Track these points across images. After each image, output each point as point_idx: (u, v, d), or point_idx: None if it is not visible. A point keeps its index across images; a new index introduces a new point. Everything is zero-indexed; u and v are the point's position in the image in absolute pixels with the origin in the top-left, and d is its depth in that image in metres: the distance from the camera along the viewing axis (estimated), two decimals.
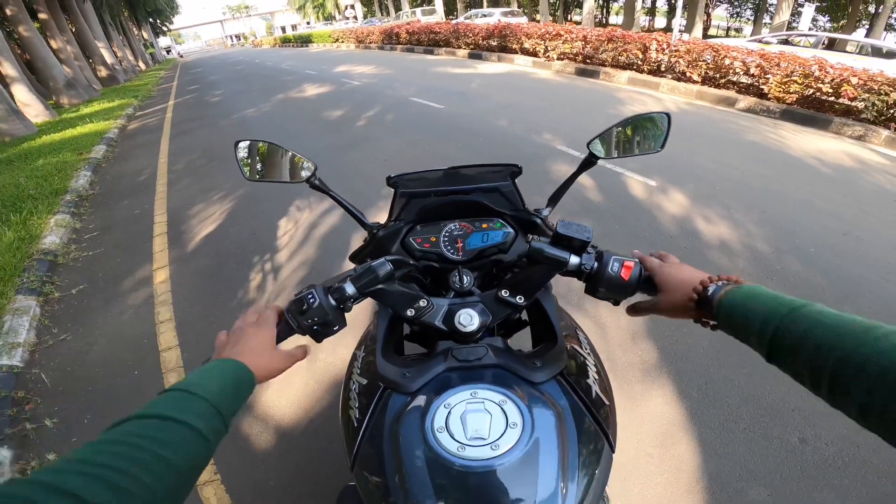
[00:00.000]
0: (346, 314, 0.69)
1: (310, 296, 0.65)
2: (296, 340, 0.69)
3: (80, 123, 8.10)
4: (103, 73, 16.29)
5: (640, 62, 8.13)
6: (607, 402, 0.72)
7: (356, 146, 5.19)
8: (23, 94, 9.01)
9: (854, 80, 5.51)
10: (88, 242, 3.62)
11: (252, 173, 0.93)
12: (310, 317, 0.64)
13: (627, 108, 6.24)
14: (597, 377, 0.74)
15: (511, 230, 0.94)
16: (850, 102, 5.56)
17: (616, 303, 0.71)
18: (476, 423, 0.58)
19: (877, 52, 8.65)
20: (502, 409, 0.60)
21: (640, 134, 0.91)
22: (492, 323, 0.75)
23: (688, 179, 3.85)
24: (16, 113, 7.86)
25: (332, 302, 0.65)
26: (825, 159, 4.54)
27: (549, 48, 9.89)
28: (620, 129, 0.89)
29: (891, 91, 5.19)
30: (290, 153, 0.90)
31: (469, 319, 0.72)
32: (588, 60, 9.15)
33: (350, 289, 0.66)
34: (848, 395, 0.41)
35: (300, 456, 1.70)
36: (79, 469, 0.35)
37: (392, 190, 0.94)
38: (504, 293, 0.74)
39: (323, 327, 0.66)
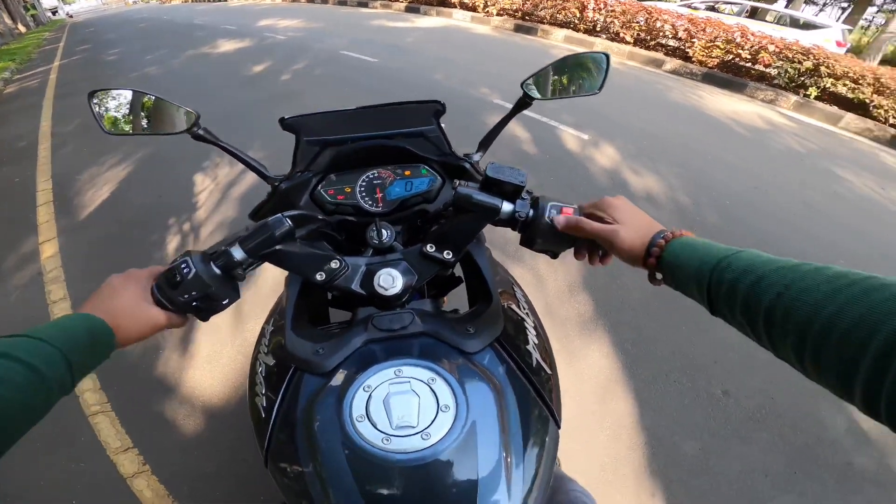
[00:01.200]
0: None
1: (183, 265, 0.53)
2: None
3: None
4: None
5: (577, 21, 8.12)
6: (549, 371, 0.64)
7: (278, 102, 4.72)
8: None
9: (771, 48, 5.86)
10: None
11: (115, 126, 0.75)
12: (185, 291, 0.53)
13: None
14: (536, 342, 0.67)
15: (437, 177, 0.83)
16: (765, 69, 5.95)
17: (554, 255, 0.64)
18: (402, 408, 0.50)
19: (794, 23, 9.23)
20: (431, 389, 0.52)
21: (577, 75, 0.83)
22: (418, 283, 0.66)
23: (618, 135, 3.95)
24: None
25: (216, 270, 0.55)
26: (740, 120, 4.85)
27: (488, 3, 9.56)
28: (557, 69, 0.80)
29: (804, 59, 5.58)
30: (163, 101, 0.74)
31: (390, 281, 0.63)
32: (527, 17, 8.98)
33: (238, 253, 0.55)
34: (785, 338, 0.37)
35: (234, 436, 1.56)
36: None
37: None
38: (430, 248, 0.64)
39: (205, 302, 0.55)
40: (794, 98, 5.59)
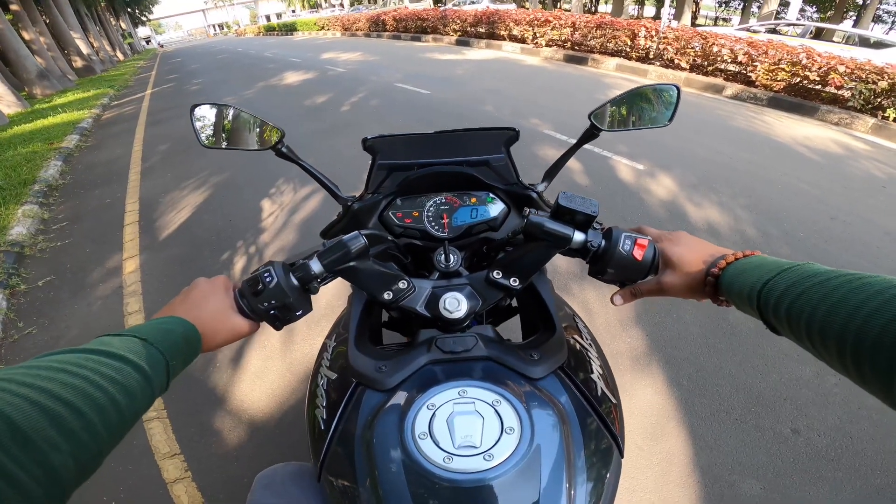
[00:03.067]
0: (314, 297, 0.60)
1: (266, 274, 0.55)
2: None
3: (53, 114, 7.78)
4: (79, 63, 15.79)
5: (628, 49, 8.06)
6: (614, 401, 0.63)
7: (338, 132, 5.04)
8: None
9: (841, 69, 5.50)
10: (56, 233, 3.44)
11: (211, 140, 0.81)
12: (266, 299, 0.55)
13: (615, 93, 6.15)
14: (601, 372, 0.66)
15: (503, 205, 0.84)
16: (836, 91, 5.56)
17: (623, 285, 0.63)
18: (466, 428, 0.50)
19: (864, 42, 8.68)
20: (496, 410, 0.51)
21: (646, 106, 0.82)
22: (481, 309, 0.66)
23: (676, 164, 3.80)
24: None
25: (294, 282, 0.56)
26: (812, 146, 4.53)
27: (537, 35, 9.75)
28: (625, 101, 0.80)
29: (878, 79, 5.19)
30: (254, 119, 0.79)
31: (455, 304, 0.64)
32: (577, 47, 9.04)
33: (316, 266, 0.57)
34: (827, 350, 0.36)
35: (275, 451, 1.61)
36: (11, 388, 0.29)
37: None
38: (496, 274, 0.65)
39: (282, 311, 0.56)
40: (871, 121, 5.16)
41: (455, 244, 0.80)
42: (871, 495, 1.41)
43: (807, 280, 0.40)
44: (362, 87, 7.28)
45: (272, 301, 0.55)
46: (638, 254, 0.58)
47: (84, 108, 8.17)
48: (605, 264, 0.59)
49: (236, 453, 1.62)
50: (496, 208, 0.84)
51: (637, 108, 0.82)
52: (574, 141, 0.81)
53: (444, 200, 0.84)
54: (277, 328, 0.58)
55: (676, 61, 7.40)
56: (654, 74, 7.50)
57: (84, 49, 16.50)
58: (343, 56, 11.82)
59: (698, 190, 3.34)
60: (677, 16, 15.45)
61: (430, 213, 0.83)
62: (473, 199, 0.84)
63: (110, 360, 0.37)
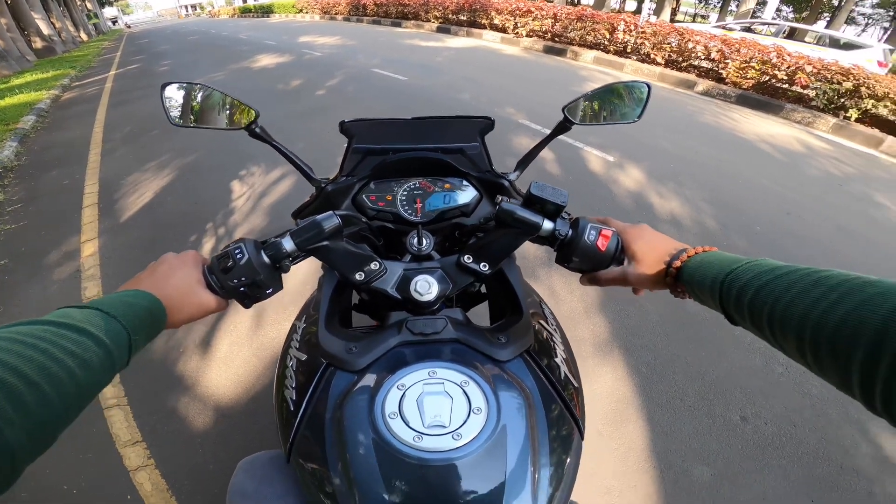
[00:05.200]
0: (285, 276, 0.60)
1: (237, 251, 0.55)
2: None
3: (10, 94, 7.31)
4: (39, 44, 14.85)
5: (607, 42, 8.14)
6: (576, 384, 0.66)
7: (313, 115, 4.93)
8: None
9: (808, 69, 5.70)
10: (11, 215, 3.26)
11: (181, 118, 0.79)
12: (236, 276, 0.55)
13: (590, 86, 6.21)
14: (564, 356, 0.69)
15: (476, 192, 0.86)
16: (802, 90, 5.77)
17: (587, 273, 0.67)
18: (435, 407, 0.51)
19: (834, 44, 8.98)
20: (464, 391, 0.53)
21: (617, 102, 0.84)
22: (451, 292, 0.68)
23: (644, 156, 3.89)
24: None
25: (266, 259, 0.57)
26: (774, 143, 4.71)
27: (518, 24, 9.74)
28: (598, 95, 0.82)
29: (843, 80, 5.40)
30: (227, 97, 0.78)
31: (426, 287, 0.65)
32: (557, 39, 9.07)
33: (288, 244, 0.57)
34: (786, 341, 0.38)
35: (240, 437, 1.60)
36: None
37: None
38: (467, 259, 0.67)
39: (252, 289, 0.56)
40: (832, 120, 5.39)
41: (427, 228, 0.81)
42: (813, 484, 1.48)
43: (767, 274, 0.42)
44: (339, 72, 7.12)
45: (242, 278, 0.55)
46: (602, 244, 0.60)
47: (42, 89, 7.71)
48: (572, 253, 0.62)
49: (201, 440, 1.60)
50: (469, 195, 0.86)
51: (609, 103, 0.84)
52: (548, 131, 0.83)
53: (417, 185, 0.85)
54: (247, 306, 0.58)
55: (653, 56, 7.52)
56: (630, 68, 7.61)
57: (45, 30, 15.55)
58: (320, 40, 11.50)
59: (664, 183, 3.44)
60: (657, 11, 15.62)
61: (403, 198, 0.84)
62: (447, 186, 0.86)
63: (69, 333, 0.36)
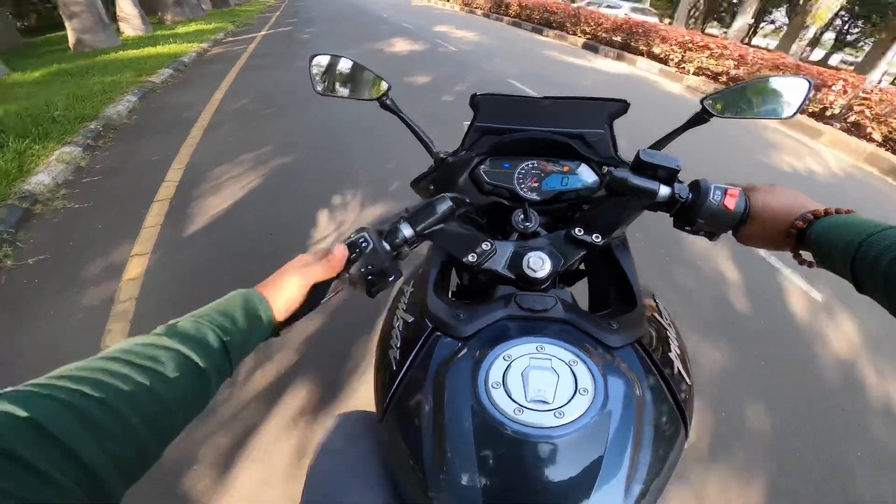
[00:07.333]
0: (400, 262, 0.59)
1: (362, 240, 0.56)
2: None
3: (165, 43, 7.58)
4: None
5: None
6: (689, 382, 0.60)
7: (428, 123, 4.15)
8: (126, 6, 8.88)
9: None
10: (82, 189, 2.89)
11: (324, 87, 0.86)
12: (364, 264, 0.55)
13: (781, 157, 4.81)
14: (679, 353, 0.63)
15: (597, 177, 0.81)
16: None
17: (712, 237, 0.61)
18: (540, 382, 0.49)
19: None
20: (572, 370, 0.50)
21: (768, 96, 0.75)
22: (563, 267, 0.66)
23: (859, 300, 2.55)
24: (103, 24, 7.48)
25: (387, 247, 0.57)
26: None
27: (685, 59, 8.24)
28: (745, 89, 0.75)
29: None
30: (366, 71, 0.84)
31: (540, 263, 0.63)
32: (732, 84, 7.47)
33: (407, 230, 0.58)
34: None
35: None
36: (50, 392, 0.29)
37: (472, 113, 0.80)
38: (578, 231, 0.66)
39: (378, 277, 0.56)
40: None
41: (537, 208, 0.78)
42: None
43: None
44: (471, 76, 6.35)
45: (369, 266, 0.55)
46: (730, 203, 0.57)
47: (195, 41, 7.93)
48: (695, 215, 0.59)
49: None
50: (589, 179, 0.81)
51: (758, 97, 0.76)
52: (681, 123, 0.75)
53: (535, 165, 0.83)
54: (372, 295, 0.58)
55: (868, 129, 5.77)
56: (827, 138, 5.94)
57: None
58: (457, 33, 10.93)
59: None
60: (866, 67, 12.62)
61: (520, 175, 0.82)
62: (566, 168, 0.82)
63: (158, 352, 0.37)
